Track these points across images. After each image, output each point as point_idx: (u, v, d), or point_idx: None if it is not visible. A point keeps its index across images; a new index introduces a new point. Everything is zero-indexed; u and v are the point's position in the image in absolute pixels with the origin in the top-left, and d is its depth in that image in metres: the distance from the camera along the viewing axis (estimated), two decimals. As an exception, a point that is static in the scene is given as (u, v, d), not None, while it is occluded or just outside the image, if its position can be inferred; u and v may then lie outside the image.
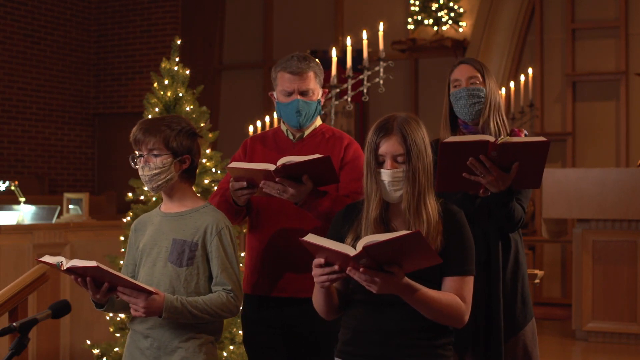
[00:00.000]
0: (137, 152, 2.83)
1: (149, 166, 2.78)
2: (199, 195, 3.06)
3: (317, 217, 2.95)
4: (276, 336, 3.13)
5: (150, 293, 2.64)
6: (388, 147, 2.45)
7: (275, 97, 3.22)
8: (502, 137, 2.71)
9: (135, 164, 2.83)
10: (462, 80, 3.06)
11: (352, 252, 2.21)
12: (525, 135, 3.08)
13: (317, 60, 3.24)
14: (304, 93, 3.14)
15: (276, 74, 3.19)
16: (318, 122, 3.25)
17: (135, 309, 2.65)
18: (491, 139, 2.67)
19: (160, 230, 2.85)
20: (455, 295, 2.44)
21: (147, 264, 2.84)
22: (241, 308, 3.26)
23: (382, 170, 2.46)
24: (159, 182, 2.80)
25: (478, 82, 3.05)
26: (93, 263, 2.57)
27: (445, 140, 2.67)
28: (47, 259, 2.67)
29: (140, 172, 2.82)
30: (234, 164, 2.94)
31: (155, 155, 2.78)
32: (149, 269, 2.83)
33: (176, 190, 2.86)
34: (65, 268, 2.61)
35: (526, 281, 3.09)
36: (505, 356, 2.99)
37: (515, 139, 2.69)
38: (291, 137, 3.21)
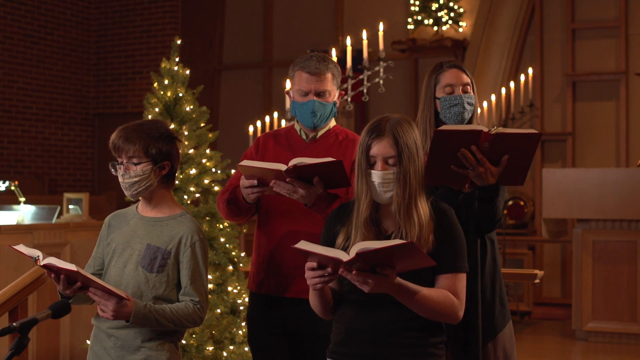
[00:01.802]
0: (118, 159, 2.83)
1: (129, 174, 2.78)
2: (178, 200, 3.06)
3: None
4: (280, 336, 3.14)
5: (121, 298, 2.65)
6: (379, 148, 2.46)
7: (292, 95, 3.21)
8: (495, 127, 2.69)
9: (116, 170, 2.82)
10: (457, 85, 3.01)
11: (344, 257, 2.22)
12: None
13: (335, 62, 3.22)
14: (320, 94, 3.13)
15: (294, 72, 3.17)
16: (332, 123, 3.24)
17: (104, 310, 2.68)
18: (485, 129, 2.64)
19: (135, 232, 2.87)
20: (449, 292, 2.45)
21: (117, 264, 2.85)
22: (247, 307, 3.27)
23: (372, 171, 2.47)
24: (139, 190, 2.81)
25: (470, 89, 3.03)
26: (73, 267, 2.58)
27: (439, 128, 2.64)
28: (21, 248, 2.68)
29: (120, 179, 2.82)
30: (245, 162, 2.94)
31: (135, 164, 2.78)
32: (119, 270, 2.84)
33: (155, 196, 2.87)
34: (42, 264, 2.62)
35: (503, 282, 3.06)
36: (486, 359, 2.96)
37: (508, 130, 2.66)
38: (304, 137, 3.21)
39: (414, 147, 2.47)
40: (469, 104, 3.00)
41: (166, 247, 2.81)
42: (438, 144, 2.66)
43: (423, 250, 2.28)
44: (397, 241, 2.20)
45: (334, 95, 3.18)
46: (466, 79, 3.03)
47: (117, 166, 2.82)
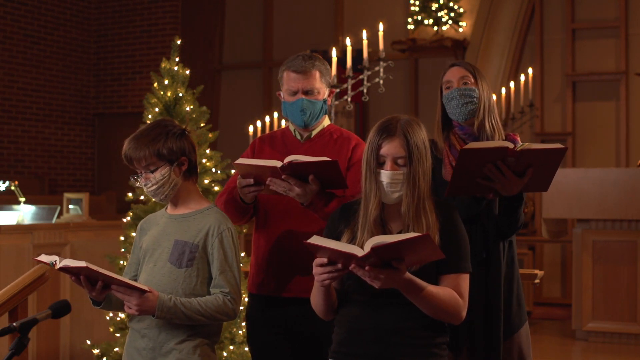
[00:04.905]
0: (136, 170, 2.84)
1: (150, 182, 2.79)
2: (203, 195, 3.04)
3: (324, 218, 2.94)
4: (280, 336, 3.14)
5: (143, 291, 2.64)
6: (390, 148, 2.46)
7: (282, 96, 3.22)
8: (521, 143, 2.70)
9: (137, 181, 2.83)
10: (454, 81, 3.02)
11: (359, 253, 2.22)
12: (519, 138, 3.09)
13: (324, 59, 3.22)
14: (308, 92, 3.13)
15: (282, 73, 3.19)
16: (326, 122, 3.25)
17: (128, 306, 2.67)
18: (510, 145, 2.66)
19: (164, 231, 2.86)
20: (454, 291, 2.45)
21: (148, 264, 2.85)
22: (246, 307, 3.27)
23: (382, 170, 2.46)
24: (166, 193, 2.81)
25: (470, 82, 3.02)
26: (82, 263, 2.58)
27: (465, 147, 2.65)
28: (43, 258, 2.69)
29: (145, 189, 2.82)
30: (241, 160, 2.94)
31: (152, 171, 2.78)
32: (150, 269, 2.83)
33: (180, 193, 2.86)
34: (58, 267, 2.62)
35: (521, 282, 3.07)
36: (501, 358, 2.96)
37: (535, 146, 2.68)
38: (299, 137, 3.21)
39: (423, 148, 2.48)
40: (465, 95, 2.99)
41: (193, 241, 2.80)
42: (464, 161, 2.67)
43: (435, 244, 2.28)
44: (412, 234, 2.20)
45: (323, 92, 3.18)
46: (463, 72, 3.03)
47: (138, 178, 2.82)
